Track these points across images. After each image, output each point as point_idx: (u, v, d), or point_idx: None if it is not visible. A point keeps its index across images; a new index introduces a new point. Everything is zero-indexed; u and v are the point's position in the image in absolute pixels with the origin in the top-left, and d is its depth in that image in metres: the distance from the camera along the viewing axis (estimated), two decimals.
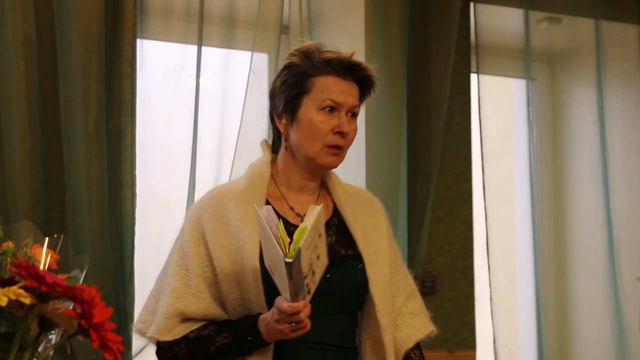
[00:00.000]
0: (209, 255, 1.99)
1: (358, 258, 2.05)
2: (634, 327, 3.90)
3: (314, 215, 1.81)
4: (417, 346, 2.14)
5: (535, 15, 3.93)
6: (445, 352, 3.53)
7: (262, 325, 1.90)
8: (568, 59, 4.22)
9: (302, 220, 2.01)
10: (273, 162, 2.11)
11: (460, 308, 3.65)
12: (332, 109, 2.01)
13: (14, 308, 1.28)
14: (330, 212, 2.11)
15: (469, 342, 3.65)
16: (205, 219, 2.02)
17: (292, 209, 2.08)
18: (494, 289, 3.68)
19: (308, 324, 1.85)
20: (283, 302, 1.83)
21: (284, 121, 2.05)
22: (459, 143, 3.74)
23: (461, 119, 3.75)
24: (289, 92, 2.04)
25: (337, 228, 2.09)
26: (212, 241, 1.99)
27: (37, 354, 1.45)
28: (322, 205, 1.85)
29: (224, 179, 3.16)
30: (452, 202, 3.70)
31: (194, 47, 3.15)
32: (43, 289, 1.23)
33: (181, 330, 1.97)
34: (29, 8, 2.86)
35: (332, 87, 2.01)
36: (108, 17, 2.97)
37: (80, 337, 1.28)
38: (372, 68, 2.08)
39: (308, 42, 2.09)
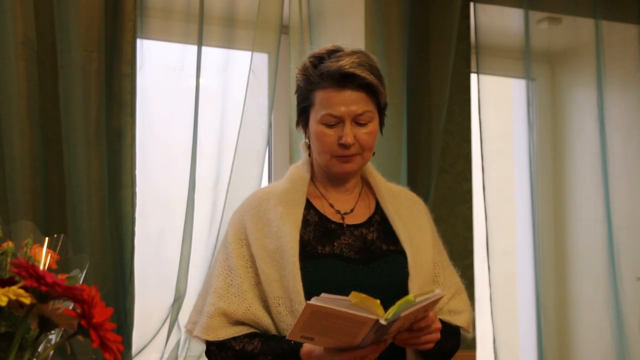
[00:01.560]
0: (251, 256, 2.03)
1: (401, 253, 2.07)
2: (634, 327, 3.90)
3: (431, 298, 1.82)
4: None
5: (535, 15, 3.93)
6: None
7: (306, 357, 1.93)
8: (568, 59, 4.21)
9: (342, 218, 2.09)
10: (312, 162, 2.15)
11: None
12: (334, 122, 2.02)
13: (14, 308, 1.28)
14: (372, 210, 2.14)
15: (469, 342, 3.65)
16: (247, 221, 2.07)
17: (332, 206, 2.11)
18: (494, 289, 3.68)
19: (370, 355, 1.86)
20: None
21: (303, 130, 2.12)
22: (459, 143, 3.74)
23: (461, 119, 3.75)
24: (299, 105, 2.10)
25: (379, 225, 2.12)
26: (254, 241, 2.03)
27: (37, 354, 1.45)
28: (444, 294, 1.90)
29: (224, 179, 3.16)
30: (452, 202, 3.70)
31: (194, 47, 3.15)
32: (43, 289, 1.23)
33: (226, 334, 2.01)
34: (29, 8, 2.86)
35: (330, 101, 2.02)
36: (108, 17, 2.97)
37: (80, 337, 1.28)
38: (368, 65, 2.04)
39: (314, 51, 2.10)
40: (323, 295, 1.76)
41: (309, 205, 2.10)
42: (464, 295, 2.23)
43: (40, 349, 1.49)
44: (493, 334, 3.63)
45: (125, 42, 2.98)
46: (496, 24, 3.88)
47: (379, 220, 2.13)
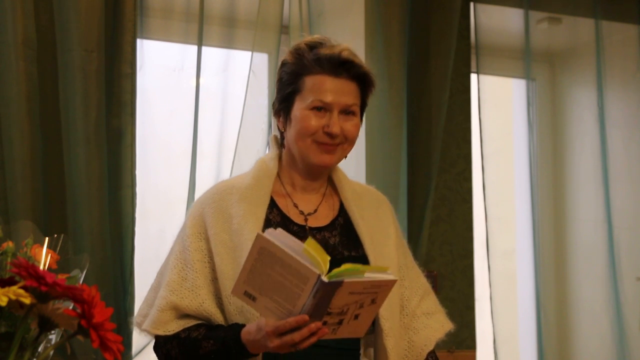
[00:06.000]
0: (209, 251, 1.96)
1: (362, 259, 2.00)
2: (634, 327, 3.90)
3: (382, 277, 1.72)
4: (432, 352, 2.11)
5: (535, 15, 3.93)
6: (445, 352, 3.53)
7: (246, 340, 1.85)
8: (568, 59, 4.22)
9: (305, 220, 2.01)
10: (280, 158, 2.07)
11: (460, 308, 3.65)
12: (322, 108, 1.96)
13: (14, 308, 1.28)
14: (336, 212, 2.07)
15: (469, 342, 3.65)
16: (207, 214, 1.99)
17: (296, 206, 2.04)
18: (494, 289, 3.68)
19: (307, 343, 1.75)
20: (272, 323, 1.76)
21: (281, 119, 2.03)
22: (459, 143, 3.74)
23: (461, 119, 3.75)
24: (283, 90, 2.01)
25: (342, 228, 2.05)
26: (213, 236, 1.96)
27: (37, 354, 1.44)
28: (396, 279, 1.75)
29: (224, 179, 3.15)
30: (452, 202, 3.70)
31: (194, 47, 3.15)
32: (43, 289, 1.23)
33: (176, 327, 1.95)
34: (29, 8, 2.86)
35: (322, 87, 1.95)
36: (108, 17, 2.97)
37: (80, 337, 1.28)
38: (365, 64, 2.01)
39: (306, 38, 2.04)
40: (279, 230, 1.72)
41: (272, 204, 2.02)
42: (433, 296, 2.15)
43: (40, 349, 1.49)
44: (493, 334, 3.64)
45: (125, 42, 2.98)
46: (496, 24, 3.88)
47: (342, 223, 2.05)
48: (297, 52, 2.00)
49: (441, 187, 3.67)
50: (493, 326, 3.64)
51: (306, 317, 1.70)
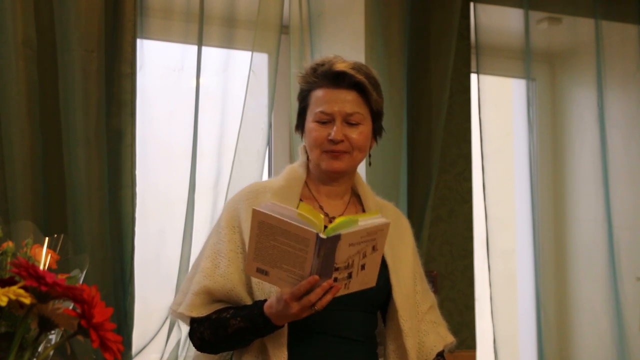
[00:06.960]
0: (242, 243, 2.10)
1: (383, 265, 2.11)
2: (634, 327, 3.90)
3: (373, 221, 1.85)
4: (441, 353, 2.25)
5: (535, 15, 3.93)
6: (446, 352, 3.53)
7: (269, 313, 1.98)
8: (568, 59, 4.21)
9: (330, 222, 2.10)
10: (308, 166, 2.23)
11: (460, 308, 3.66)
12: (327, 121, 2.11)
13: (14, 308, 1.28)
14: None
15: (469, 342, 3.65)
16: (241, 209, 2.13)
17: (321, 207, 2.18)
18: (494, 289, 3.68)
19: (324, 301, 1.89)
20: (288, 291, 1.90)
21: (301, 133, 2.21)
22: (459, 143, 3.74)
23: (461, 119, 3.75)
24: (298, 107, 2.20)
25: None
26: (246, 229, 2.07)
27: (37, 354, 1.45)
28: (389, 221, 1.89)
29: (224, 179, 3.16)
30: (452, 202, 3.70)
31: (194, 47, 3.15)
32: (43, 289, 1.23)
33: (209, 310, 2.09)
34: (29, 8, 2.86)
35: (323, 99, 2.12)
36: (108, 17, 2.97)
37: (80, 337, 1.28)
38: (363, 71, 2.14)
39: (316, 59, 2.22)
40: (271, 202, 1.88)
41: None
42: (438, 311, 2.32)
43: (40, 349, 1.50)
44: (493, 334, 3.64)
45: (125, 42, 2.98)
46: (496, 24, 3.88)
47: None
48: (304, 74, 2.19)
49: (441, 187, 3.67)
50: (493, 326, 3.64)
51: (316, 277, 1.85)
